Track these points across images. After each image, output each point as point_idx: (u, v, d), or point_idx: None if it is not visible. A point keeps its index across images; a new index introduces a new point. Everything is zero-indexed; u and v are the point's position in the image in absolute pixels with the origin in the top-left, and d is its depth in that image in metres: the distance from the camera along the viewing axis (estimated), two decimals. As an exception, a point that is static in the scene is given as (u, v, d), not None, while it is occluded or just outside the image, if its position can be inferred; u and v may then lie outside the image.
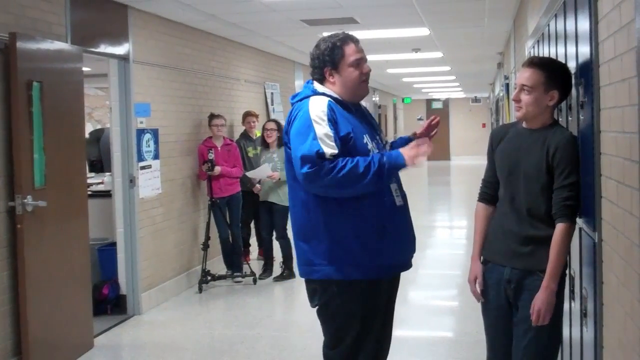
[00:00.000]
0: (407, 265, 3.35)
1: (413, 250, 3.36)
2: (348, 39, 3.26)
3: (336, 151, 3.03)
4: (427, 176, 23.55)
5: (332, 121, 3.08)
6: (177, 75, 7.61)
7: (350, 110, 3.24)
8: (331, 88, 3.24)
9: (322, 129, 3.04)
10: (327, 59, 3.22)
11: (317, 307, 3.28)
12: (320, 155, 3.00)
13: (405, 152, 3.14)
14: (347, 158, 3.03)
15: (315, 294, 3.24)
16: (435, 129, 3.54)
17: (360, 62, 3.25)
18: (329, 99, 3.17)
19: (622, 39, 2.29)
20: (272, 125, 8.01)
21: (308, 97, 3.21)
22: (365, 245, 3.13)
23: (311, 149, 3.01)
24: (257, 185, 8.05)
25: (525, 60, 3.19)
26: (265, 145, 8.01)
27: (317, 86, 3.27)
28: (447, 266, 8.84)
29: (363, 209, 3.12)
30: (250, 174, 7.92)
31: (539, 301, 2.97)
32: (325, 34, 3.31)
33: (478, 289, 3.26)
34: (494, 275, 3.20)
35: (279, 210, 7.83)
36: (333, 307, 3.20)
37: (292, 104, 3.29)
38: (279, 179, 7.65)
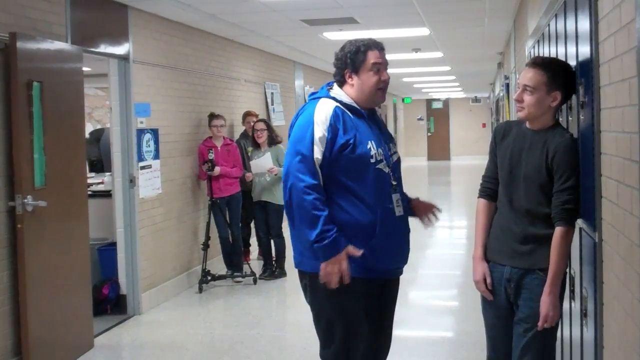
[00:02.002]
0: (394, 274, 3.36)
1: (403, 261, 3.37)
2: (373, 45, 3.31)
3: (320, 157, 3.11)
4: (427, 176, 23.56)
5: (333, 127, 3.14)
6: (177, 75, 7.61)
7: (362, 116, 3.28)
8: (348, 91, 3.30)
9: (319, 132, 3.12)
10: (349, 62, 3.28)
11: (308, 302, 3.32)
12: (307, 158, 3.10)
13: (337, 260, 3.07)
14: (323, 201, 3.09)
15: (306, 289, 3.30)
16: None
17: (380, 68, 3.29)
18: (337, 104, 3.22)
19: (622, 39, 2.28)
20: (261, 125, 8.04)
21: (320, 98, 3.29)
22: (354, 243, 3.13)
23: (303, 149, 3.11)
24: (249, 174, 8.04)
25: (529, 61, 3.19)
26: (256, 145, 8.02)
27: (333, 90, 3.33)
28: (447, 266, 8.84)
29: (359, 209, 3.15)
30: (253, 164, 7.88)
31: (545, 306, 2.98)
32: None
33: (487, 287, 3.24)
34: (495, 275, 3.20)
35: (274, 209, 7.85)
36: (320, 301, 3.24)
37: (308, 100, 3.39)
38: (276, 175, 7.69)
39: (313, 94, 3.41)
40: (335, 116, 3.16)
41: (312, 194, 3.06)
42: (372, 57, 3.27)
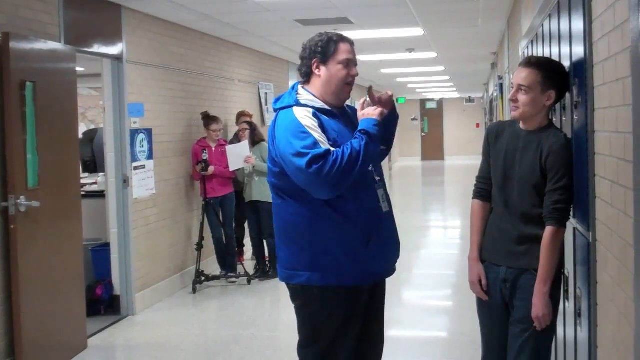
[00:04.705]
0: (390, 272, 3.32)
1: (397, 256, 3.34)
2: (345, 38, 3.24)
3: (333, 149, 3.02)
4: (421, 176, 23.58)
5: (321, 128, 3.07)
6: (170, 75, 7.60)
7: (335, 116, 3.21)
8: (315, 87, 3.20)
9: (319, 135, 3.02)
10: (319, 50, 3.18)
11: (296, 306, 3.26)
12: (328, 152, 2.98)
13: (369, 114, 3.15)
14: (337, 150, 3.00)
15: (297, 294, 3.22)
16: (383, 99, 3.38)
17: (350, 63, 3.21)
18: (312, 110, 3.12)
19: (616, 39, 2.29)
20: (244, 125, 8.17)
21: (290, 106, 3.16)
22: (350, 253, 3.09)
23: (318, 150, 2.97)
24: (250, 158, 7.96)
25: (523, 60, 3.19)
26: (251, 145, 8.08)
27: (301, 94, 3.21)
28: (442, 266, 8.85)
29: (350, 215, 3.08)
30: (229, 149, 7.79)
31: (536, 308, 2.98)
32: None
33: (483, 289, 3.24)
34: (490, 275, 3.21)
35: (265, 209, 7.81)
36: (312, 309, 3.18)
37: (275, 110, 3.24)
38: (254, 166, 7.74)
39: (278, 99, 3.27)
40: (317, 117, 3.08)
41: (326, 163, 2.94)
42: (343, 50, 3.18)
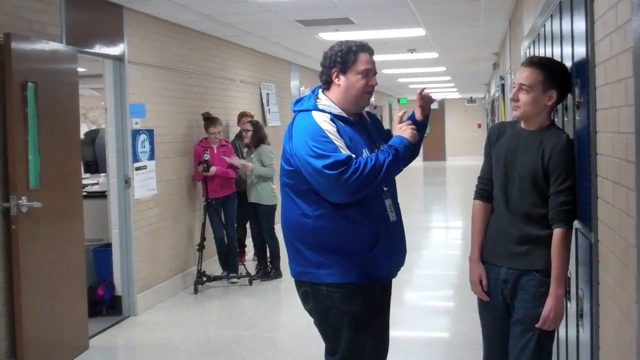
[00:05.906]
0: (392, 276, 3.37)
1: (402, 264, 3.37)
2: (365, 48, 3.26)
3: (354, 156, 3.07)
4: (422, 176, 23.58)
5: (338, 133, 3.12)
6: (172, 75, 7.60)
7: (351, 124, 3.25)
8: (335, 94, 3.25)
9: (338, 141, 3.07)
10: (339, 60, 3.22)
11: (310, 310, 3.30)
12: (350, 157, 3.03)
13: (402, 133, 3.23)
14: (360, 158, 3.07)
15: (307, 296, 3.26)
16: (427, 98, 3.52)
17: (369, 73, 3.25)
18: (330, 115, 3.18)
19: (618, 40, 2.28)
20: (247, 126, 8.13)
21: (309, 110, 3.22)
22: (354, 255, 3.14)
23: (340, 155, 3.02)
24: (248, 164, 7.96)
25: (525, 60, 3.19)
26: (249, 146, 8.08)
27: (320, 99, 3.26)
28: (443, 267, 8.85)
29: (356, 221, 3.13)
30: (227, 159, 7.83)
31: (548, 308, 2.98)
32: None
33: (483, 289, 3.24)
34: (491, 276, 3.21)
35: (263, 211, 7.87)
36: (324, 307, 3.22)
37: (295, 111, 3.30)
38: (251, 170, 7.77)
39: (298, 101, 3.33)
40: (334, 123, 3.14)
41: (348, 169, 3.00)
42: (363, 60, 3.22)
